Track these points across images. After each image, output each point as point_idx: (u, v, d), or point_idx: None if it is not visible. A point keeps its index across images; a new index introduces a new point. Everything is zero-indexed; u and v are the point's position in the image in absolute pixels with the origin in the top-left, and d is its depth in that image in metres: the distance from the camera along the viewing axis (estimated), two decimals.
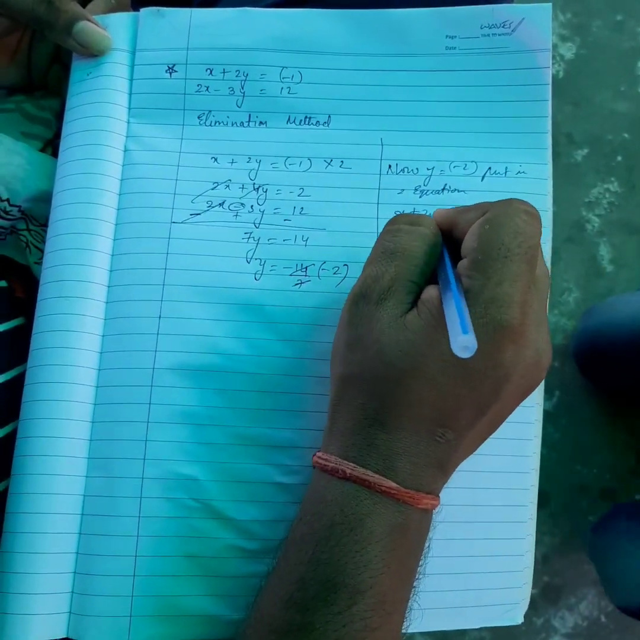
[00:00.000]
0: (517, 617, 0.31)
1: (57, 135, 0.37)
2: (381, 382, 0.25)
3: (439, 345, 0.24)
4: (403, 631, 0.27)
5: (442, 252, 0.27)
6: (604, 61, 0.99)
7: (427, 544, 0.27)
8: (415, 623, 0.30)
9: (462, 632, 0.91)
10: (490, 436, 0.27)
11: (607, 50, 1.00)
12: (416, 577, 0.27)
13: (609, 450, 0.93)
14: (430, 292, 0.25)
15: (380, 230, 0.32)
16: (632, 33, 1.00)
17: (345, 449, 0.25)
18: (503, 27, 0.33)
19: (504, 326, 0.23)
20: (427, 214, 0.32)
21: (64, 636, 0.29)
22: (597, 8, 1.01)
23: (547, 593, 0.91)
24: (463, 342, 0.21)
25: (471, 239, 0.25)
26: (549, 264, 0.33)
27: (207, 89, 0.34)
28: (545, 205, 0.32)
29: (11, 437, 0.31)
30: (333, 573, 0.24)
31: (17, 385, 0.32)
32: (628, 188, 0.97)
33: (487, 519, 0.31)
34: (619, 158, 0.98)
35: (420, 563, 0.27)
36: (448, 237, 0.28)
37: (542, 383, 0.33)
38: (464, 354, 0.21)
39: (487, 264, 0.24)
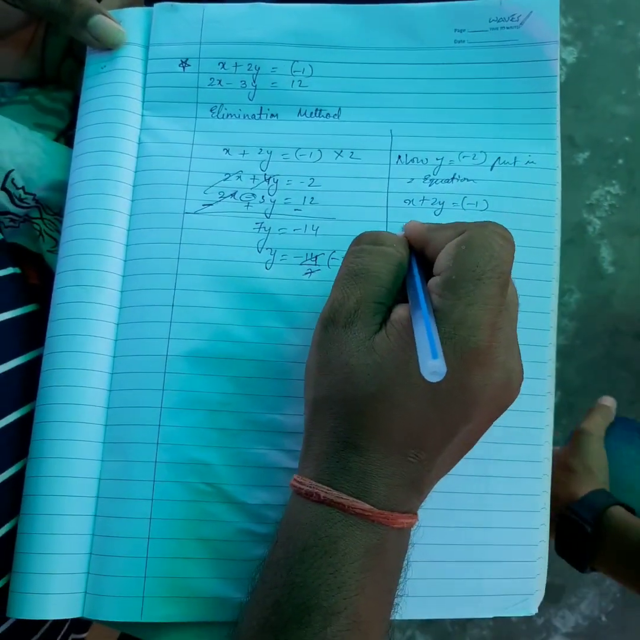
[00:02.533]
0: (531, 608, 0.31)
1: (70, 126, 0.37)
2: (350, 405, 0.25)
3: (406, 366, 0.24)
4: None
5: (412, 270, 0.26)
6: (605, 65, 1.00)
7: (405, 562, 0.27)
8: (429, 609, 0.30)
9: (463, 629, 0.91)
10: (501, 425, 0.27)
11: (608, 54, 1.01)
12: (395, 594, 0.27)
13: None
14: (399, 312, 0.25)
15: (389, 219, 0.32)
16: (633, 38, 1.02)
17: (320, 473, 0.25)
18: (511, 20, 0.33)
19: (472, 348, 0.23)
20: (436, 202, 0.32)
21: (80, 616, 0.29)
22: (598, 13, 1.02)
23: (547, 592, 0.90)
24: (432, 367, 0.20)
25: (446, 257, 0.25)
26: (557, 258, 0.33)
27: (219, 83, 0.34)
28: (553, 195, 0.33)
29: (27, 420, 0.31)
30: (307, 596, 0.24)
31: (30, 370, 0.32)
32: (629, 190, 0.98)
33: (499, 508, 0.31)
34: (620, 161, 0.99)
35: (400, 580, 0.27)
36: (420, 254, 0.27)
37: (553, 371, 0.33)
38: (433, 379, 0.21)
39: (460, 285, 0.24)
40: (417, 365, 0.22)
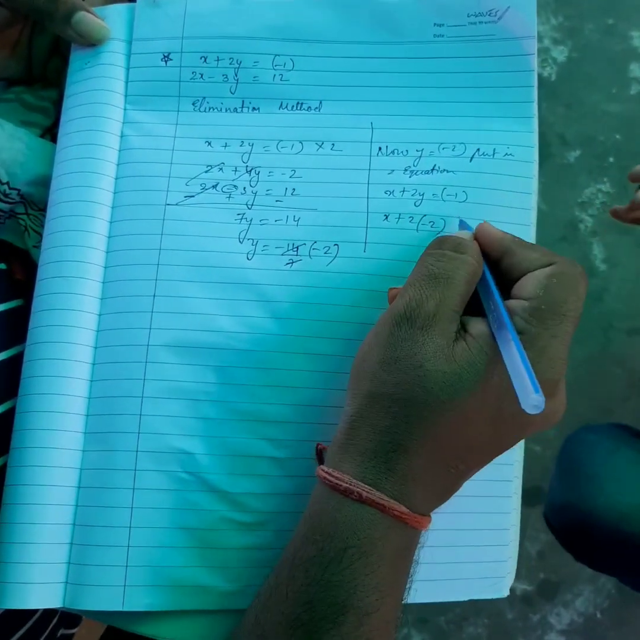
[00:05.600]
0: (503, 590, 0.32)
1: (56, 124, 0.38)
2: (416, 408, 0.24)
3: (486, 382, 0.24)
4: None
5: (491, 287, 0.27)
6: (595, 64, 1.01)
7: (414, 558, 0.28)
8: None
9: (459, 628, 0.91)
10: None
11: (598, 53, 1.01)
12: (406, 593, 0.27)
13: None
14: (480, 327, 0.25)
15: (370, 210, 0.33)
16: (624, 36, 1.02)
17: (362, 471, 0.25)
18: (489, 15, 0.34)
19: (548, 379, 0.24)
20: (417, 193, 0.33)
21: (60, 606, 0.29)
22: (589, 11, 1.02)
23: (543, 590, 0.91)
24: (534, 401, 0.22)
25: (536, 285, 0.26)
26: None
27: (201, 76, 0.34)
28: (530, 188, 0.33)
29: (10, 415, 0.31)
30: (343, 595, 0.24)
31: (15, 364, 0.32)
32: (620, 188, 0.98)
33: (473, 494, 0.31)
34: (611, 159, 0.99)
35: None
36: (492, 261, 0.28)
37: None
38: (534, 411, 0.22)
39: (548, 316, 0.25)
40: (497, 384, 0.24)
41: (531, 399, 0.22)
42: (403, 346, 0.25)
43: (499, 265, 0.28)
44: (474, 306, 0.27)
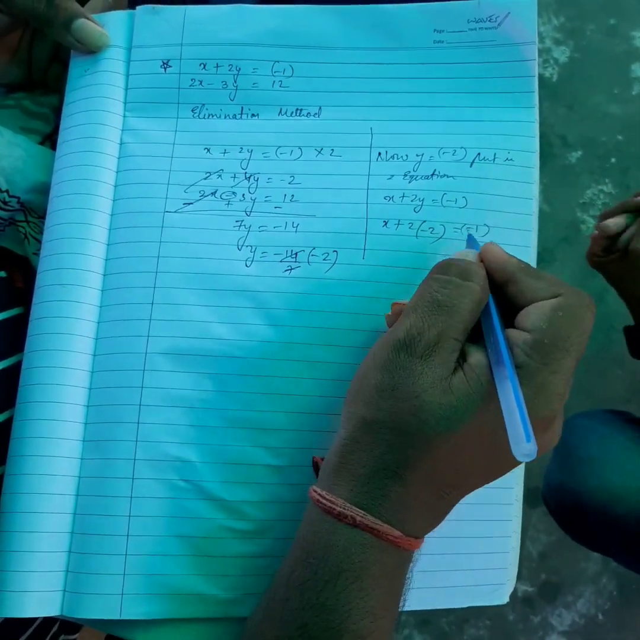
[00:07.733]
0: (503, 597, 0.32)
1: (55, 130, 0.38)
2: (410, 438, 0.24)
3: (482, 415, 0.24)
4: None
5: (493, 320, 0.26)
6: (597, 64, 1.01)
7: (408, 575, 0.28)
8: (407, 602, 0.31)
9: (460, 629, 0.91)
10: None
11: (600, 53, 1.01)
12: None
13: None
14: (479, 358, 0.25)
15: (369, 216, 0.33)
16: (625, 36, 1.02)
17: (356, 495, 0.25)
18: (489, 21, 0.33)
19: (545, 416, 0.24)
20: (416, 199, 0.32)
21: (58, 614, 0.29)
22: (590, 12, 1.02)
23: (544, 591, 0.91)
24: (525, 449, 0.21)
25: (540, 318, 0.25)
26: (534, 255, 0.33)
27: (200, 83, 0.34)
28: (530, 194, 0.33)
29: (9, 423, 0.31)
30: (338, 619, 0.24)
31: (15, 373, 0.32)
32: (622, 189, 0.98)
33: (474, 501, 0.31)
34: (613, 159, 0.99)
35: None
36: (495, 282, 0.27)
37: None
38: (525, 459, 0.21)
39: (550, 351, 0.24)
40: (492, 417, 0.23)
41: (522, 448, 0.21)
42: (401, 374, 0.24)
43: (503, 290, 0.27)
44: (475, 331, 0.26)
